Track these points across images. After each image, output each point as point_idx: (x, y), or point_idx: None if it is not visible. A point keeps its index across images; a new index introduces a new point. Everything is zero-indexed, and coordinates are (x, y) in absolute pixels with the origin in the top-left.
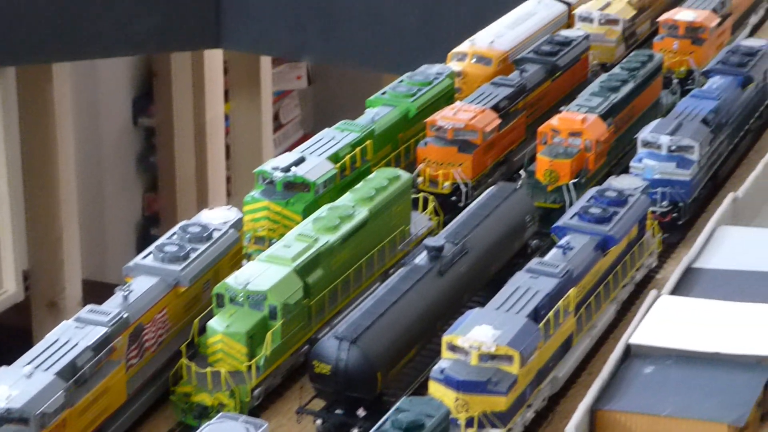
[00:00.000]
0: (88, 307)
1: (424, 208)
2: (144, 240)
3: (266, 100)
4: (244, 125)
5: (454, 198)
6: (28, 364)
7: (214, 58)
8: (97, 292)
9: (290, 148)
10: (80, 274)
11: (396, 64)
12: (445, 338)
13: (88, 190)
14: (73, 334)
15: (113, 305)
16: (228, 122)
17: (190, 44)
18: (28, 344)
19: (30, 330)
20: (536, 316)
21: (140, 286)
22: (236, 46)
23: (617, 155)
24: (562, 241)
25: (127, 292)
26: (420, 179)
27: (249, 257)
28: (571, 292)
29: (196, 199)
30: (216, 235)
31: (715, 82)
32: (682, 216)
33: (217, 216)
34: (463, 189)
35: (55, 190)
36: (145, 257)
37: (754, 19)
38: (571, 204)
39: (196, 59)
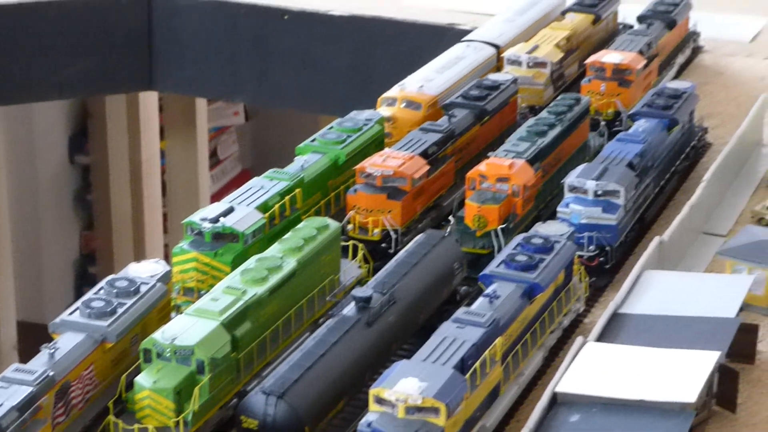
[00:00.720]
0: (14, 366)
1: (354, 256)
2: (81, 279)
3: (202, 137)
4: (181, 162)
5: (384, 245)
6: None
7: (149, 97)
8: (33, 333)
9: (229, 184)
10: (15, 316)
11: (328, 106)
12: (372, 391)
13: (24, 229)
14: None
15: (39, 364)
16: (164, 160)
17: (122, 87)
18: None
19: None
20: (463, 366)
21: (66, 343)
22: (169, 88)
23: (545, 199)
24: (489, 290)
25: (53, 350)
26: (350, 226)
27: (178, 309)
28: (498, 341)
29: (133, 237)
30: (143, 289)
31: (641, 125)
32: (609, 260)
33: (145, 269)
34: (393, 236)
35: None
36: (71, 313)
37: (680, 59)
38: (499, 249)
39: (131, 99)
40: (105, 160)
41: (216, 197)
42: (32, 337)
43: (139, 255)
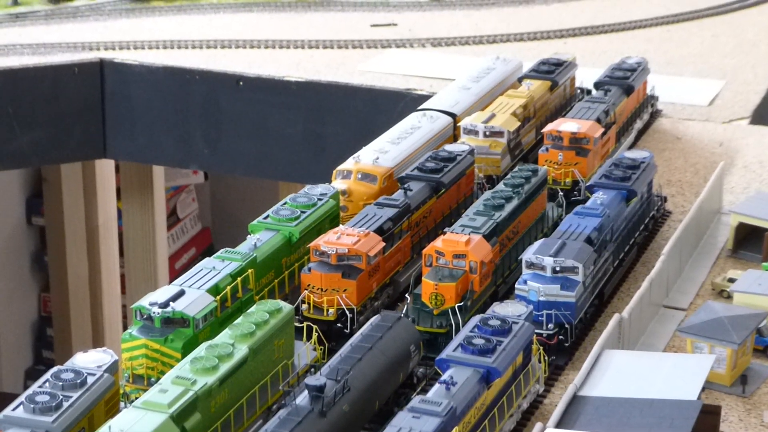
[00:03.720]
0: None
1: (309, 337)
2: (39, 341)
3: (159, 198)
4: (138, 223)
5: (339, 325)
6: None
7: (105, 160)
8: None
9: (189, 243)
10: None
11: (282, 173)
12: None
13: None
14: None
15: None
16: (121, 220)
17: (75, 156)
18: None
19: None
20: None
21: None
22: (123, 156)
23: (503, 273)
24: (445, 375)
25: None
26: (304, 306)
27: (128, 397)
28: (455, 430)
29: (90, 299)
30: (90, 380)
31: (599, 197)
32: (569, 338)
33: (92, 359)
34: (349, 315)
35: None
36: (14, 408)
37: (639, 124)
38: (457, 328)
39: (87, 162)
40: (60, 223)
41: (175, 257)
42: None
43: (97, 317)
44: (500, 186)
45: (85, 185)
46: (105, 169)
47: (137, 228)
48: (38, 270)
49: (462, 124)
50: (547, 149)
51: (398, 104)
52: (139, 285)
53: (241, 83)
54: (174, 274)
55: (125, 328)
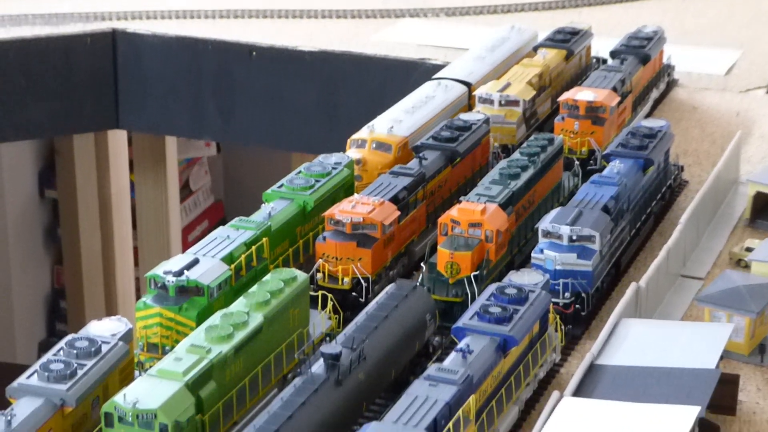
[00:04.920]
0: None
1: (323, 306)
2: (53, 314)
3: (172, 170)
4: (151, 195)
5: (354, 294)
6: None
7: (117, 132)
8: (4, 373)
9: (201, 216)
10: None
11: (295, 143)
12: None
13: None
14: None
15: None
16: (134, 193)
17: (88, 127)
18: None
19: None
20: (435, 427)
21: (24, 409)
22: (135, 127)
23: (519, 243)
24: (462, 344)
25: (10, 417)
26: (319, 275)
27: (142, 366)
28: (472, 398)
29: (103, 271)
30: (104, 349)
31: (616, 166)
32: (585, 307)
33: (106, 328)
34: (364, 284)
35: None
36: (29, 377)
37: (655, 94)
38: (473, 297)
39: (100, 133)
40: (73, 196)
41: (188, 230)
42: (3, 377)
43: (110, 289)
44: (516, 155)
45: (97, 157)
46: (117, 141)
47: (150, 200)
48: (51, 243)
49: (477, 93)
50: (563, 118)
51: (412, 74)
52: (152, 257)
53: (254, 54)
54: (187, 247)
55: (138, 300)
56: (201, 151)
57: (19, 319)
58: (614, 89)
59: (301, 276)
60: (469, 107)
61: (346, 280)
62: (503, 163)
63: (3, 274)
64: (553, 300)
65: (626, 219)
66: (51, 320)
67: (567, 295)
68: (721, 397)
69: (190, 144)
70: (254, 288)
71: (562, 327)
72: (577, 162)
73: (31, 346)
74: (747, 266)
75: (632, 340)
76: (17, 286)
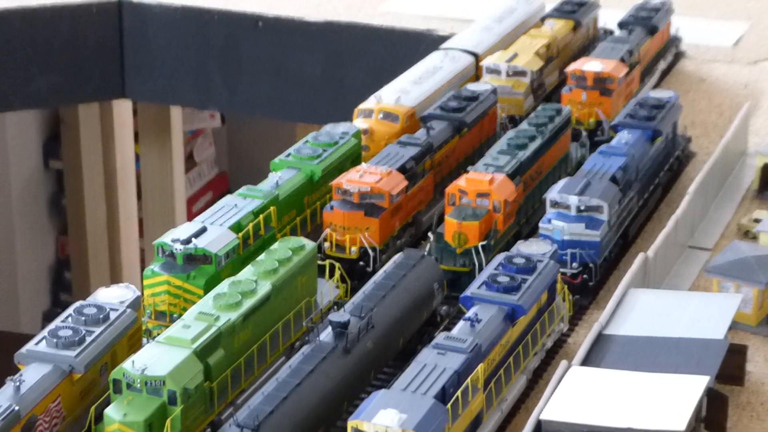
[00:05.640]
0: None
1: (331, 275)
2: (57, 284)
3: (177, 141)
4: (156, 166)
5: (362, 263)
6: None
7: (123, 102)
8: (8, 343)
9: (206, 187)
10: None
11: (302, 114)
12: (351, 423)
13: None
14: None
15: (4, 398)
16: (139, 164)
17: (93, 96)
18: None
19: None
20: (444, 395)
21: (33, 375)
22: (141, 96)
23: (526, 213)
24: (470, 313)
25: (19, 383)
26: (326, 244)
27: (150, 333)
28: (480, 367)
29: (108, 242)
30: (113, 316)
31: (623, 137)
32: (593, 277)
33: (114, 295)
34: (371, 254)
35: None
36: (38, 343)
37: (662, 65)
38: (480, 267)
39: (105, 104)
40: (78, 166)
41: (192, 200)
42: (7, 347)
43: (115, 260)
44: (524, 125)
45: (102, 128)
46: (123, 111)
47: (155, 171)
48: (56, 213)
49: (484, 63)
50: (570, 89)
51: (419, 46)
52: (157, 228)
53: (260, 24)
54: (191, 218)
55: (143, 270)
56: (205, 122)
57: (23, 289)
58: (622, 60)
59: (309, 245)
60: (477, 78)
61: (354, 249)
62: (511, 133)
63: (7, 245)
64: (561, 270)
65: (634, 189)
66: (55, 291)
67: (575, 265)
68: (729, 368)
69: (194, 115)
70: (262, 256)
71: (570, 297)
72: (584, 133)
73: (35, 316)
74: (755, 237)
75: (640, 310)
76: (21, 257)
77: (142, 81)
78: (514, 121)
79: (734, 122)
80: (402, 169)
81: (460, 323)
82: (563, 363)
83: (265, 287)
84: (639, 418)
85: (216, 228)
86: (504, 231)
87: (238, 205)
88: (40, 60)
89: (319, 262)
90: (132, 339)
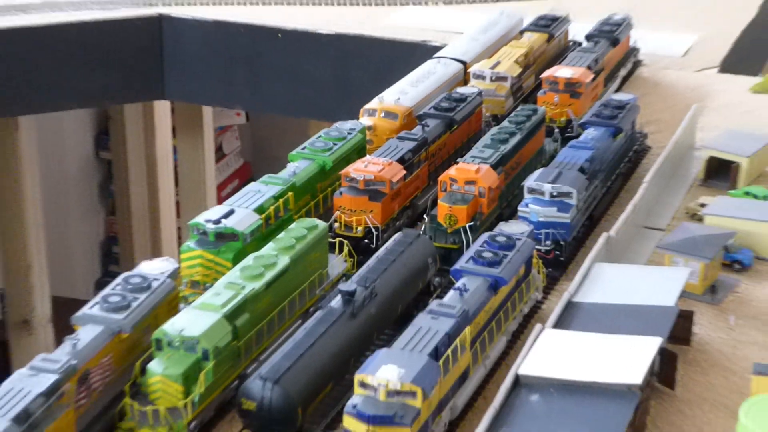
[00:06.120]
0: (40, 356)
1: (340, 251)
2: (107, 257)
3: (208, 136)
4: (190, 157)
5: (366, 241)
6: None
7: (162, 102)
8: (66, 307)
9: (232, 175)
10: (49, 294)
11: (313, 112)
12: (357, 376)
13: (56, 216)
14: (26, 383)
15: (62, 353)
16: (176, 155)
17: (137, 97)
18: (6, 358)
19: (8, 345)
20: (436, 354)
21: (87, 334)
22: (177, 97)
23: (507, 199)
24: (459, 283)
25: (75, 341)
26: (336, 225)
27: (186, 300)
28: (467, 329)
29: (149, 221)
30: (155, 285)
31: (590, 133)
32: (564, 253)
33: (156, 267)
34: (375, 232)
35: (24, 222)
36: (91, 308)
37: (623, 72)
38: (467, 245)
39: (147, 104)
40: (124, 156)
41: (221, 186)
42: (65, 311)
43: (155, 237)
44: (505, 123)
45: (145, 124)
46: (162, 110)
47: (189, 161)
48: (105, 197)
49: (471, 70)
50: (545, 92)
51: (415, 54)
52: (191, 210)
53: (279, 35)
54: (220, 201)
55: (179, 246)
56: (232, 119)
57: (77, 262)
58: (588, 67)
59: (321, 225)
60: (465, 82)
61: (360, 228)
62: (494, 130)
63: (64, 223)
64: (537, 247)
65: (599, 178)
66: (105, 262)
67: (548, 242)
68: (679, 330)
69: (223, 113)
70: (281, 234)
71: (544, 270)
72: (556, 129)
73: (88, 284)
74: (701, 219)
75: (603, 281)
76: (76, 234)
77: (178, 84)
78: (496, 119)
79: (684, 121)
80: (401, 160)
81: (451, 292)
82: (538, 326)
83: (284, 261)
84: (602, 373)
85: (242, 210)
86: (488, 213)
87: (261, 190)
88: (92, 66)
89: (330, 240)
90: (171, 304)
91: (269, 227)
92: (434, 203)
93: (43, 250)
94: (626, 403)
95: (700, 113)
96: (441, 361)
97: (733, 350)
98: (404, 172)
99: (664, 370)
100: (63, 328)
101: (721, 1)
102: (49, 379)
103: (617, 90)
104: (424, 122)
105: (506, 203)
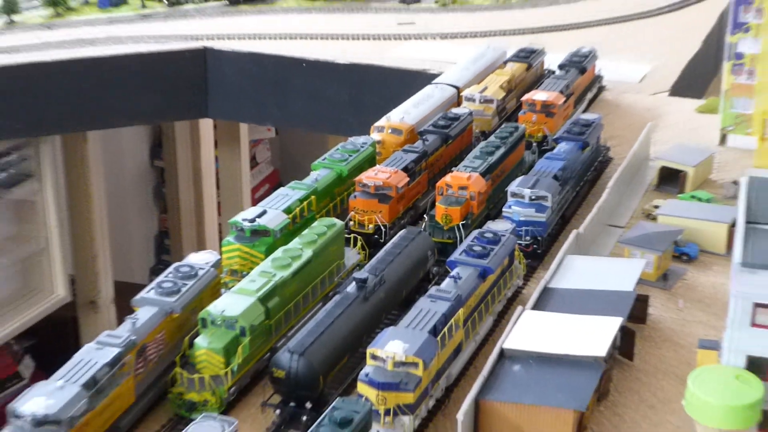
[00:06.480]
0: (105, 332)
1: (354, 245)
2: (160, 248)
3: (244, 147)
4: (229, 165)
5: (376, 236)
6: (60, 378)
7: (206, 120)
8: (126, 290)
9: (264, 180)
10: (112, 279)
11: (331, 128)
12: (369, 350)
13: (118, 214)
14: (93, 355)
15: (124, 330)
16: (218, 164)
17: (185, 116)
18: (76, 333)
19: (77, 321)
20: (435, 331)
21: (144, 314)
22: (219, 115)
23: (494, 201)
24: (453, 272)
25: (134, 320)
26: (351, 223)
27: (226, 285)
28: (460, 311)
29: (195, 219)
30: (200, 273)
31: (562, 147)
32: (540, 247)
33: (201, 258)
34: (383, 229)
35: (91, 219)
36: (148, 292)
37: (589, 95)
38: (460, 240)
39: (193, 121)
40: (174, 165)
41: (255, 190)
42: (125, 293)
43: (200, 232)
44: (491, 138)
45: (191, 138)
46: (206, 127)
47: (229, 168)
48: (158, 198)
49: (464, 93)
50: (524, 112)
51: (416, 80)
52: (230, 209)
53: (304, 64)
54: (254, 203)
55: (220, 240)
56: (264, 134)
57: (135, 252)
58: (561, 92)
59: (339, 223)
60: (458, 104)
61: (371, 226)
62: (482, 144)
63: (124, 220)
64: (518, 242)
65: (570, 184)
66: (158, 252)
67: (528, 238)
68: (636, 311)
69: (256, 129)
70: (306, 231)
71: (524, 261)
72: (534, 144)
73: (144, 270)
74: (655, 218)
75: (574, 270)
76: (134, 228)
77: (219, 104)
78: (484, 135)
79: (640, 136)
80: (405, 169)
81: (447, 279)
82: (519, 308)
83: (307, 253)
84: (573, 347)
85: (273, 211)
86: (477, 214)
87: (288, 194)
88: (148, 89)
89: (346, 236)
90: (214, 289)
91: (295, 225)
92: (433, 205)
93: (107, 242)
94: (593, 372)
95: (653, 130)
96: (439, 337)
97: (681, 328)
98: (407, 179)
99: (624, 344)
100: (123, 307)
101: (670, 37)
102: (112, 352)
103: (584, 110)
104: (424, 137)
105: (493, 205)
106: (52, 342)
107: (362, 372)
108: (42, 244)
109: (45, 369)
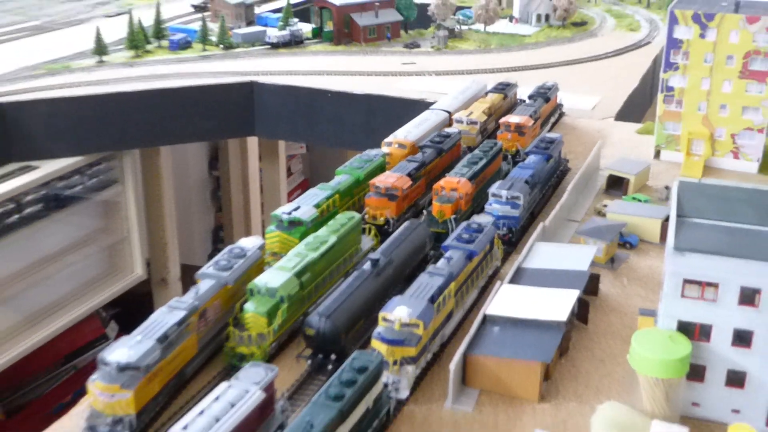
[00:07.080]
0: (174, 299)
1: (369, 233)
2: (215, 238)
3: (282, 160)
4: (270, 175)
5: (386, 227)
6: (139, 334)
7: (252, 138)
8: (189, 270)
9: (297, 187)
10: (179, 262)
11: (350, 144)
12: (380, 314)
13: (183, 211)
14: (165, 316)
15: (189, 297)
16: (261, 173)
17: (236, 134)
18: (150, 303)
19: (151, 296)
20: (432, 300)
21: (205, 285)
22: (262, 135)
23: (478, 200)
24: (447, 255)
25: (197, 289)
26: (366, 216)
27: (269, 264)
28: (452, 284)
29: (243, 217)
30: (249, 253)
31: (531, 159)
32: (515, 237)
33: (250, 242)
34: (391, 222)
35: (163, 215)
36: (207, 268)
37: (552, 119)
38: (452, 229)
39: (242, 139)
40: (227, 174)
41: (290, 194)
42: (188, 272)
43: (248, 227)
44: (476, 152)
45: (241, 152)
46: (252, 143)
47: (270, 177)
48: (215, 200)
49: (454, 117)
50: (502, 132)
51: (416, 107)
52: (271, 209)
53: (329, 94)
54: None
55: (263, 233)
56: (298, 150)
57: (196, 241)
58: (530, 116)
59: (357, 216)
60: (450, 125)
61: (381, 219)
62: (468, 156)
63: (188, 216)
64: (497, 231)
65: (537, 188)
66: (214, 242)
67: (504, 229)
68: (590, 286)
69: (292, 146)
70: (331, 222)
71: (502, 246)
72: (509, 156)
73: (203, 256)
74: (604, 215)
75: (541, 254)
76: (196, 223)
77: (263, 126)
78: (470, 149)
79: (592, 151)
80: (408, 175)
81: (441, 260)
82: (498, 283)
83: (333, 239)
84: (540, 313)
85: (305, 206)
86: (465, 210)
87: (318, 194)
88: (207, 114)
89: (362, 226)
90: (259, 267)
91: (323, 217)
92: (430, 203)
93: (174, 233)
94: (556, 333)
95: (602, 147)
96: (435, 305)
97: (625, 300)
98: (410, 182)
99: (581, 312)
100: (187, 283)
101: (615, 75)
102: (180, 314)
103: (549, 131)
104: (423, 150)
105: (477, 203)
106: (131, 310)
107: (375, 331)
108: (124, 234)
109: (126, 332)
